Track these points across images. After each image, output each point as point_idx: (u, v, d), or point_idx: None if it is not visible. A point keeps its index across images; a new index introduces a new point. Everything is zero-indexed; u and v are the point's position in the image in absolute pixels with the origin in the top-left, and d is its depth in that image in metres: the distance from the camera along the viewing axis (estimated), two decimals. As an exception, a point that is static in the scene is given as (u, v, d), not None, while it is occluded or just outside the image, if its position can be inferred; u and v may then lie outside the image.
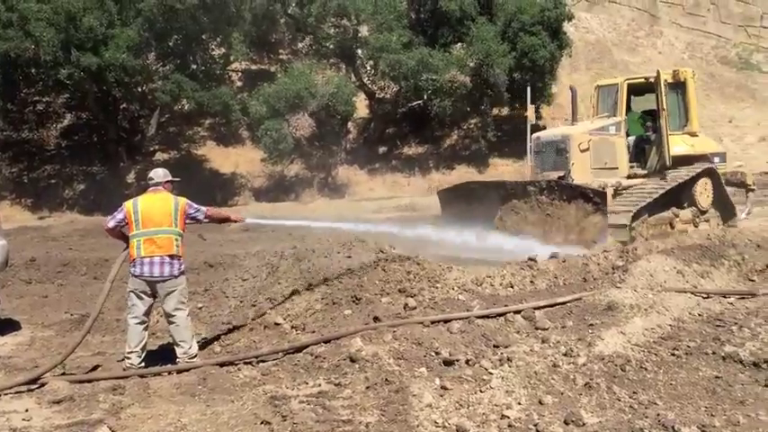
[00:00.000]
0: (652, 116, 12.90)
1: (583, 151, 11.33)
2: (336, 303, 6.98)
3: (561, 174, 11.23)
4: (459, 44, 31.98)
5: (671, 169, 12.10)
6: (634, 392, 4.34)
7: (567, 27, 33.97)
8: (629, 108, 13.16)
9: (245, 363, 6.00)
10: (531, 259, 8.45)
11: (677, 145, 12.38)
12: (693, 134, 12.83)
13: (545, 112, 34.97)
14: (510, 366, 5.00)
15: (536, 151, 11.98)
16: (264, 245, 12.06)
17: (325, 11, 29.53)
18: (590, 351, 5.07)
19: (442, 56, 29.70)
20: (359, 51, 31.38)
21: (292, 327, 6.77)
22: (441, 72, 28.90)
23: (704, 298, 6.80)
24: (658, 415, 3.98)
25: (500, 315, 6.45)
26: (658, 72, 12.48)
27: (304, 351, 5.92)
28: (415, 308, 6.71)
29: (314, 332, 6.49)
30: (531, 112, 12.24)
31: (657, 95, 12.17)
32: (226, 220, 7.22)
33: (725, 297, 6.81)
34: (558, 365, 4.88)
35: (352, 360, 5.41)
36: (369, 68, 32.16)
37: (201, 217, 6.66)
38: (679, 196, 11.90)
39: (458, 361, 5.33)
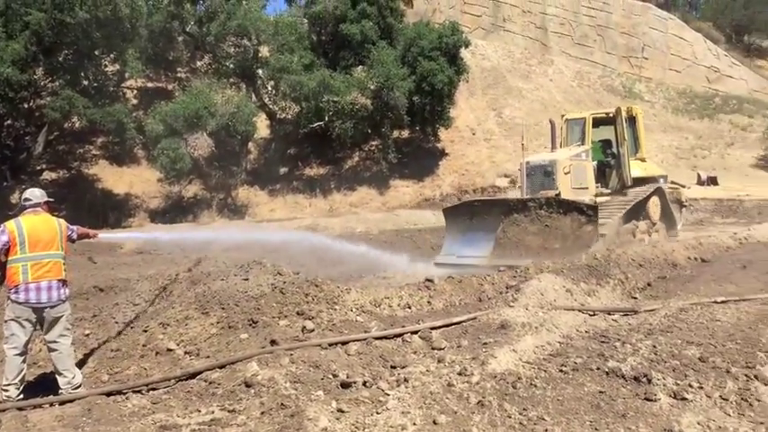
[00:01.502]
0: (609, 144, 14.97)
1: (566, 174, 13.11)
2: (233, 327, 6.82)
3: (549, 192, 12.66)
4: (360, 67, 32.40)
5: (629, 189, 14.15)
6: (524, 409, 4.45)
7: (465, 53, 35.08)
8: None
9: (135, 391, 5.73)
10: (428, 280, 8.59)
11: (634, 168, 14.51)
12: (643, 159, 15.29)
13: (443, 134, 35.85)
14: (406, 387, 5.02)
15: (527, 174, 13.34)
16: (159, 268, 11.67)
17: (225, 30, 29.23)
18: (483, 369, 5.16)
19: (344, 78, 29.99)
20: (259, 71, 31.21)
21: (186, 352, 6.55)
22: (342, 94, 29.14)
23: (591, 315, 7.08)
24: (546, 430, 4.11)
25: (397, 336, 6.49)
26: (618, 108, 14.68)
27: (197, 377, 5.73)
28: (313, 330, 6.65)
29: (208, 357, 6.31)
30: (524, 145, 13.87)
31: (617, 127, 14.37)
32: (86, 236, 6.91)
33: (610, 314, 7.11)
34: (452, 384, 4.94)
35: (248, 385, 5.29)
36: (269, 89, 32.02)
37: (75, 237, 6.49)
38: (636, 211, 13.64)
39: (355, 383, 5.30)
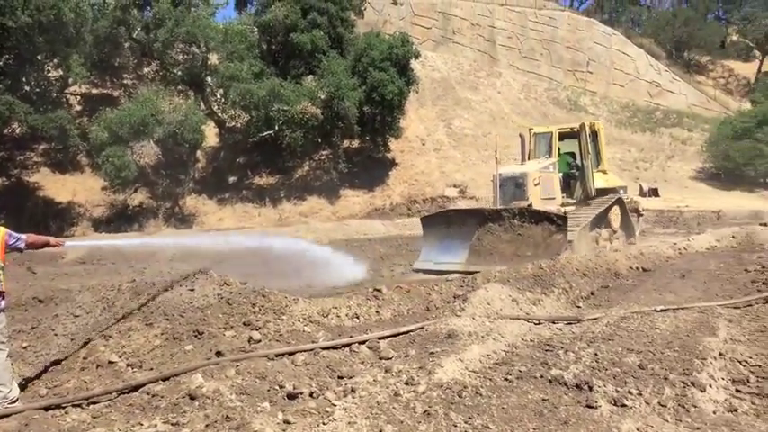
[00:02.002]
0: (573, 157, 15.62)
1: (535, 185, 13.79)
2: (177, 338, 6.70)
3: (520, 203, 13.40)
4: (311, 76, 32.40)
5: (592, 199, 14.93)
6: (469, 417, 4.49)
7: (415, 65, 35.39)
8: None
9: (74, 405, 5.57)
10: (376, 289, 8.60)
11: (596, 180, 15.26)
12: (605, 172, 16.08)
13: (393, 145, 36.04)
14: (353, 397, 5.01)
15: (499, 185, 14.01)
16: (101, 278, 11.40)
17: (173, 37, 28.83)
18: (430, 379, 5.19)
19: (294, 87, 29.92)
20: (208, 79, 30.90)
21: (128, 365, 6.41)
22: (292, 103, 29.06)
23: (536, 324, 7.19)
24: (491, 438, 4.16)
25: (345, 346, 6.47)
26: (582, 124, 15.30)
27: (140, 390, 5.60)
28: (259, 341, 6.58)
29: (152, 369, 6.18)
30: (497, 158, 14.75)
31: (581, 142, 14.98)
32: (46, 244, 6.62)
33: (554, 323, 7.22)
34: (399, 394, 4.95)
35: (192, 397, 5.20)
36: (219, 97, 31.72)
37: (22, 246, 6.09)
38: (599, 220, 14.30)
39: (301, 394, 5.27)
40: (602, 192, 15.35)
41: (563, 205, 14.33)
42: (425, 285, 9.08)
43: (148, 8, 30.93)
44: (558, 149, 15.68)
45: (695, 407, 4.47)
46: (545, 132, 16.10)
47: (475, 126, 41.45)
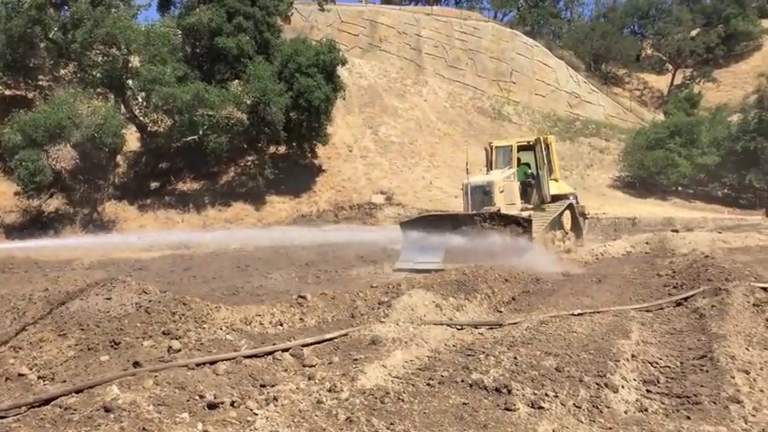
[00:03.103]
0: (528, 167, 17.04)
1: (501, 192, 15.17)
2: (92, 349, 6.46)
3: (490, 208, 14.65)
4: (237, 81, 32.02)
5: (547, 204, 16.38)
6: (391, 423, 4.51)
7: (342, 71, 35.44)
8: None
9: (-20, 421, 5.32)
10: (300, 296, 8.54)
11: (551, 187, 16.73)
12: (556, 180, 17.49)
13: (320, 151, 35.97)
14: (275, 405, 4.95)
15: (467, 193, 15.35)
16: (12, 287, 10.90)
17: (92, 38, 27.93)
18: (353, 385, 5.19)
19: (219, 92, 29.48)
20: (129, 82, 30.06)
21: (39, 377, 6.14)
22: (217, 108, 28.62)
23: (458, 329, 7.28)
24: (412, 443, 4.19)
25: (268, 354, 6.39)
26: (538, 138, 16.99)
27: (52, 403, 5.37)
28: (179, 350, 6.42)
29: (65, 382, 5.93)
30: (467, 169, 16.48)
31: (537, 153, 16.50)
32: None
33: (476, 328, 7.34)
34: (322, 402, 4.93)
35: (107, 410, 5.02)
36: (140, 100, 30.90)
37: None
38: (555, 223, 15.89)
39: (222, 403, 5.17)
40: (555, 198, 16.79)
41: (522, 210, 15.52)
42: (350, 292, 9.08)
43: (66, 7, 29.89)
44: (518, 160, 17.01)
45: (608, 407, 4.61)
46: (505, 146, 17.51)
47: (401, 133, 41.82)
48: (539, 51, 54.50)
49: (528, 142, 17.26)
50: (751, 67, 69.36)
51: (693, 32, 68.10)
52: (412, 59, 52.49)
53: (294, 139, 33.68)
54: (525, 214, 14.85)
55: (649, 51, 70.87)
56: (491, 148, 17.57)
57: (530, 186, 16.69)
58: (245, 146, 32.45)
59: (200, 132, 29.51)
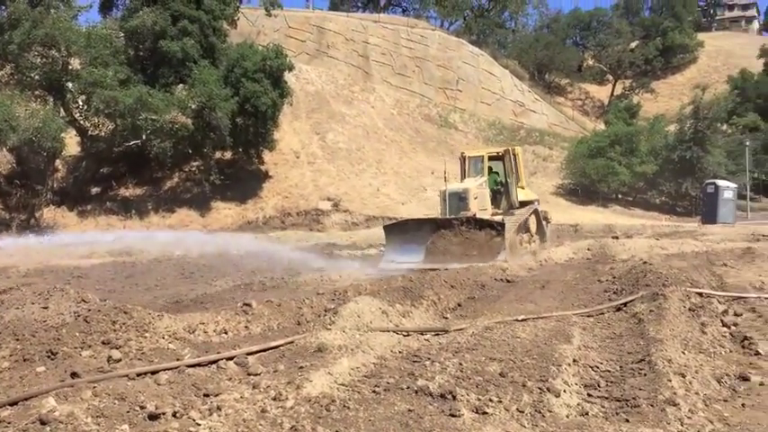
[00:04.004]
0: (497, 175, 18.31)
1: (475, 198, 16.35)
2: (28, 360, 6.25)
3: (466, 213, 15.73)
4: (181, 85, 31.56)
5: (515, 210, 17.39)
6: (337, 431, 4.50)
7: (289, 77, 35.32)
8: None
9: None
10: (246, 304, 8.44)
11: (518, 194, 17.87)
12: (522, 187, 18.61)
13: (267, 157, 35.70)
14: (219, 415, 4.87)
15: (444, 199, 16.51)
16: (-57, 297, 10.47)
17: (31, 39, 27.11)
18: (298, 393, 5.14)
19: (163, 96, 29.01)
20: (69, 85, 29.28)
21: (-29, 390, 5.92)
22: (161, 112, 28.15)
23: (405, 336, 7.30)
24: (357, 451, 4.18)
25: (212, 363, 6.28)
26: (507, 149, 18.14)
27: (-16, 417, 5.19)
28: (120, 360, 6.26)
29: (-2, 394, 5.74)
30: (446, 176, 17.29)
31: (506, 163, 17.70)
32: None
33: (422, 334, 7.36)
34: (266, 410, 4.87)
35: (43, 422, 4.86)
36: (81, 104, 30.13)
37: None
38: (521, 226, 16.86)
39: (164, 414, 5.06)
40: (522, 203, 17.98)
41: (493, 215, 16.72)
42: (296, 299, 9.01)
43: (3, 7, 28.95)
44: (490, 168, 18.28)
45: (550, 412, 4.69)
46: (477, 156, 18.90)
47: (349, 140, 41.83)
48: (484, 60, 55.28)
49: (497, 153, 18.52)
50: (687, 78, 72.00)
51: (633, 44, 70.28)
52: (359, 66, 52.60)
53: (240, 145, 33.36)
54: (498, 218, 15.96)
55: (591, 62, 72.77)
56: (464, 158, 18.79)
57: (499, 193, 18.02)
58: (190, 151, 31.98)
59: (144, 137, 28.97)
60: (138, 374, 5.87)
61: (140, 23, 30.83)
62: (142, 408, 5.19)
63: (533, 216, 18.29)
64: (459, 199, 16.41)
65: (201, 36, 32.39)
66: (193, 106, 29.66)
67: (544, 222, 19.57)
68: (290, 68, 33.85)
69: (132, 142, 29.42)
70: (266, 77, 31.40)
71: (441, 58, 54.27)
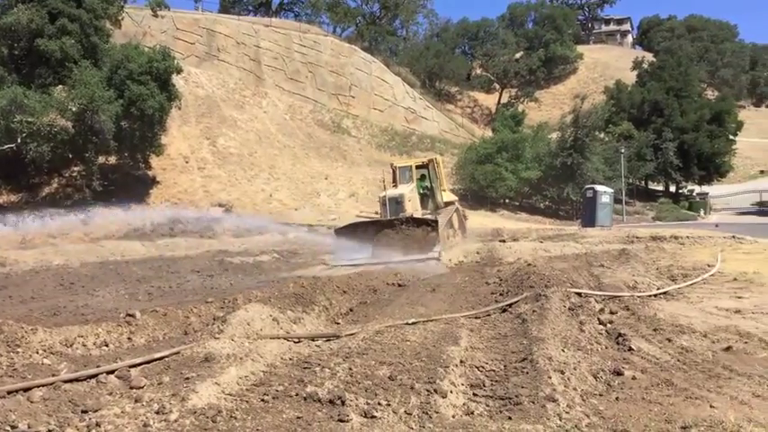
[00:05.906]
0: (423, 181, 20.58)
1: (409, 201, 18.41)
2: None
3: (405, 214, 17.58)
4: (61, 87, 30.03)
5: (440, 209, 19.68)
6: (223, 442, 4.40)
7: (177, 80, 34.36)
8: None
9: None
10: (129, 314, 8.12)
11: (443, 196, 20.58)
12: (444, 190, 21.37)
13: (155, 162, 34.57)
14: (98, 432, 4.66)
15: (384, 203, 18.45)
16: None
17: None
18: (183, 406, 4.99)
19: (40, 97, 27.53)
20: (-66, 84, 27.23)
21: None
22: (38, 114, 26.70)
23: (295, 342, 7.24)
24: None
25: (91, 377, 5.99)
26: (431, 159, 21.15)
27: None
28: (-11, 378, 5.88)
29: None
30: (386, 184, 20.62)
31: (430, 171, 20.46)
32: None
33: (313, 340, 7.33)
34: (149, 425, 4.70)
35: None
36: (-53, 104, 28.05)
37: None
38: (447, 223, 18.77)
39: (37, 433, 4.79)
40: (446, 204, 20.51)
41: (423, 215, 18.59)
42: (183, 308, 8.76)
43: None
44: (422, 176, 20.55)
45: (437, 412, 4.77)
46: (406, 165, 21.38)
47: (240, 145, 41.16)
48: (377, 67, 55.85)
49: (423, 162, 21.42)
50: (568, 88, 75.71)
51: (518, 55, 73.03)
52: (251, 70, 51.87)
53: (126, 149, 32.12)
54: (431, 217, 18.07)
55: (479, 71, 75.04)
56: (395, 169, 21.26)
57: (426, 196, 20.34)
58: (71, 155, 30.46)
59: (19, 140, 27.35)
60: (9, 392, 5.52)
61: (15, 21, 29.14)
62: (13, 427, 4.89)
63: (455, 214, 20.99)
64: (397, 203, 18.44)
65: (82, 35, 30.97)
66: (74, 108, 28.29)
67: (464, 219, 22.88)
68: (179, 71, 32.97)
69: (6, 146, 27.69)
70: (153, 80, 30.40)
71: (334, 64, 54.38)
